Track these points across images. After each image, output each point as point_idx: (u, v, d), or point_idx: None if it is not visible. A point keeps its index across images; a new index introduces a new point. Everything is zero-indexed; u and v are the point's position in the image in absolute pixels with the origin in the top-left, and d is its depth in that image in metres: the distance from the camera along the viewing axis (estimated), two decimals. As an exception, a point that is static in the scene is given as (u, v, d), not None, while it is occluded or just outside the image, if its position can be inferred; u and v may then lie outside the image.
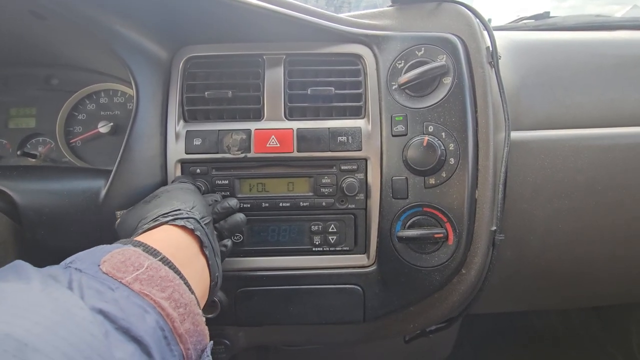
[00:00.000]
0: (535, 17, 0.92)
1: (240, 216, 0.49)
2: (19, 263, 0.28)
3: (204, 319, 0.33)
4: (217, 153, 0.52)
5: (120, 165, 0.48)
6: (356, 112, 0.54)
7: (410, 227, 0.51)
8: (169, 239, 0.37)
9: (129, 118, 0.50)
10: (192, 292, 0.32)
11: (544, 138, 0.55)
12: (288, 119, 0.53)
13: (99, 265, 0.29)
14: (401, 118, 0.51)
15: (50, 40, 0.56)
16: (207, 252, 0.40)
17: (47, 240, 0.46)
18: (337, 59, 0.55)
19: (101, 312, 0.25)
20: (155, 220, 0.38)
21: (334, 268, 0.53)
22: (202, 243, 0.39)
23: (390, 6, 0.58)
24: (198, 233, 0.39)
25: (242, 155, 0.52)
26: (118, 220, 0.45)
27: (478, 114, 0.50)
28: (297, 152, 0.52)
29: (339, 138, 0.52)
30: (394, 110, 0.52)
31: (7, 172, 0.47)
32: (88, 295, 0.26)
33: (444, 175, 0.50)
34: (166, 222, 0.38)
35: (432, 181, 0.50)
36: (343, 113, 0.54)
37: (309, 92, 0.53)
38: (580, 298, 0.72)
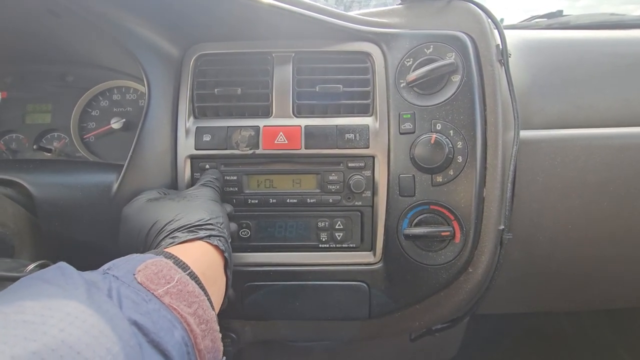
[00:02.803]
0: (548, 15, 0.90)
1: (233, 226, 0.49)
2: (64, 266, 0.29)
3: (220, 335, 0.33)
4: (226, 149, 0.53)
5: (132, 160, 0.49)
6: (364, 110, 0.54)
7: (417, 224, 0.51)
8: (202, 257, 0.38)
9: (140, 114, 0.51)
10: (213, 309, 0.33)
11: (554, 137, 0.54)
12: (296, 116, 0.54)
13: (134, 275, 0.30)
14: (409, 116, 0.51)
15: (65, 39, 0.57)
16: (228, 273, 0.41)
17: (61, 231, 0.48)
18: (346, 57, 0.55)
19: (136, 324, 0.26)
20: (190, 232, 0.39)
21: (340, 265, 0.54)
22: (227, 264, 0.40)
23: (399, 4, 0.58)
24: (226, 255, 0.40)
25: (251, 151, 0.52)
26: (136, 199, 0.45)
27: (487, 112, 0.50)
28: (305, 149, 0.52)
29: (347, 135, 0.52)
30: (402, 107, 0.52)
31: (24, 166, 0.49)
32: (125, 306, 0.27)
33: (452, 173, 0.50)
34: (201, 238, 0.39)
35: (439, 179, 0.50)
36: (351, 110, 0.54)
37: (317, 90, 0.53)
38: (591, 300, 0.70)
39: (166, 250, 0.35)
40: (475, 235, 0.50)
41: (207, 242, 0.39)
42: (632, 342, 0.92)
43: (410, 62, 0.52)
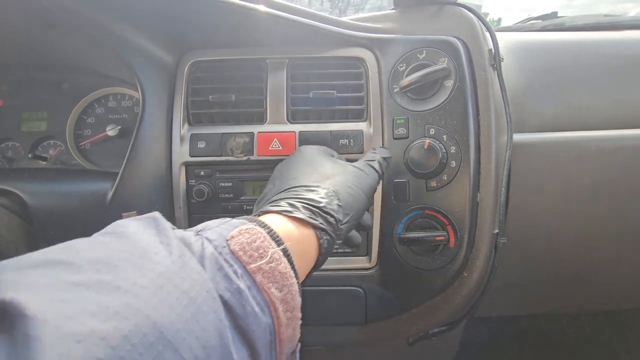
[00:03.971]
0: (543, 17, 0.91)
1: (355, 236, 0.42)
2: (158, 217, 0.27)
3: (300, 322, 0.30)
4: (221, 156, 0.53)
5: (127, 168, 0.49)
6: (358, 115, 0.54)
7: (412, 229, 0.51)
8: (299, 241, 0.32)
9: (136, 121, 0.51)
10: (300, 295, 0.29)
11: (549, 140, 0.54)
12: (290, 122, 0.54)
13: (227, 240, 0.26)
14: (403, 121, 0.51)
15: (60, 47, 0.57)
16: (320, 260, 0.35)
17: (56, 240, 0.47)
18: (339, 63, 0.55)
19: (225, 305, 0.23)
20: (309, 210, 0.33)
21: (335, 270, 0.54)
22: (321, 253, 0.34)
23: (392, 9, 0.58)
24: (320, 259, 0.34)
25: (245, 158, 0.53)
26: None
27: (480, 116, 0.50)
28: (299, 154, 0.52)
29: (341, 141, 0.52)
30: (395, 113, 0.52)
31: (19, 175, 0.49)
32: (217, 279, 0.24)
33: (445, 178, 0.50)
34: (314, 228, 0.33)
35: (433, 184, 0.50)
36: (345, 116, 0.54)
37: (311, 96, 0.53)
38: (588, 302, 0.71)
39: (261, 218, 0.31)
40: (470, 239, 0.50)
41: (315, 234, 0.33)
42: (631, 343, 0.92)
43: (404, 68, 0.53)
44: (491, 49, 0.52)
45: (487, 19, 0.55)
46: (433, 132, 0.50)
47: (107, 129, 0.62)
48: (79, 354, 0.16)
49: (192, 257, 0.24)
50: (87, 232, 0.48)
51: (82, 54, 0.58)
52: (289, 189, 0.36)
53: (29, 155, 0.60)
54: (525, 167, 0.53)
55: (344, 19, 0.57)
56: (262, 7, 0.50)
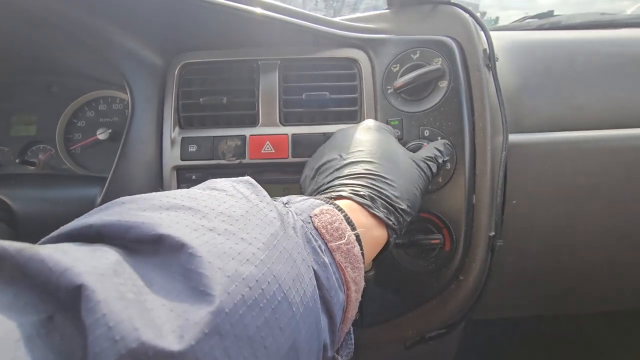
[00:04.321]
0: (539, 16, 0.90)
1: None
2: (253, 181, 0.28)
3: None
4: (212, 159, 0.52)
5: (116, 172, 0.48)
6: (352, 117, 0.53)
7: (407, 232, 0.50)
8: (371, 231, 0.33)
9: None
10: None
11: (545, 140, 0.54)
12: (283, 125, 0.53)
13: (311, 217, 0.28)
14: (397, 122, 0.51)
15: (48, 49, 0.56)
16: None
17: (43, 247, 0.47)
18: (332, 64, 0.54)
19: (315, 275, 0.25)
20: (375, 202, 0.33)
21: (330, 274, 0.53)
22: (387, 248, 0.35)
23: (386, 9, 0.57)
24: (390, 245, 0.35)
25: (237, 161, 0.52)
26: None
27: (475, 117, 0.49)
28: (292, 157, 0.51)
29: None
30: (389, 114, 0.51)
31: (5, 181, 0.48)
32: (308, 250, 0.25)
33: (440, 180, 0.49)
34: (382, 220, 0.33)
35: (428, 186, 0.49)
36: (339, 118, 0.53)
37: (304, 97, 0.53)
38: (587, 303, 0.70)
39: (338, 202, 0.32)
40: (466, 242, 0.49)
41: (387, 231, 0.34)
42: (630, 344, 0.91)
43: (397, 68, 0.52)
44: (486, 49, 0.51)
45: (484, 18, 0.54)
46: (427, 133, 0.50)
47: (98, 132, 0.61)
48: (232, 289, 0.18)
49: (289, 226, 0.25)
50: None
51: (70, 57, 0.57)
52: (364, 174, 0.35)
53: (17, 161, 0.59)
54: (522, 168, 0.53)
55: (336, 19, 0.56)
56: (255, 9, 0.49)
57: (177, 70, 0.54)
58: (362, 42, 0.54)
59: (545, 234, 0.54)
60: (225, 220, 0.22)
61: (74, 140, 0.62)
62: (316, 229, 0.27)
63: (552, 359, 0.99)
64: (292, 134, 0.52)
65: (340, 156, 0.38)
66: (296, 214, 0.27)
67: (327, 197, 0.33)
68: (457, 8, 0.53)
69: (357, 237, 0.29)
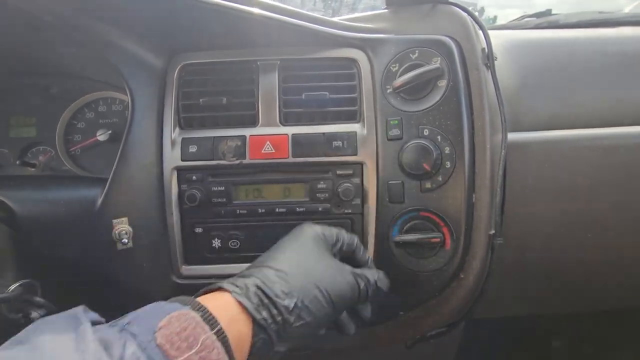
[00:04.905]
0: (537, 14, 0.90)
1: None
2: (80, 315, 0.27)
3: None
4: (213, 160, 0.52)
5: (116, 174, 0.48)
6: (351, 117, 0.53)
7: (407, 231, 0.50)
8: (238, 324, 0.31)
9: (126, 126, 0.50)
10: None
11: (544, 139, 0.54)
12: (283, 125, 0.53)
13: (155, 333, 0.26)
14: (396, 122, 0.51)
15: (48, 51, 0.56)
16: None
17: (44, 248, 0.47)
18: (332, 64, 0.54)
19: None
20: (259, 278, 0.33)
21: (331, 274, 0.53)
22: (251, 352, 0.31)
23: (385, 9, 0.57)
24: (255, 348, 0.32)
25: (237, 161, 0.52)
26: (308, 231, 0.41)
27: (474, 116, 0.50)
28: (292, 157, 0.52)
29: (334, 143, 0.52)
30: (389, 113, 0.51)
31: (6, 182, 0.48)
32: None
33: (440, 179, 0.49)
34: (232, 292, 0.32)
35: (428, 185, 0.49)
36: (338, 117, 0.53)
37: (303, 97, 0.53)
38: (587, 301, 0.70)
39: (205, 296, 0.31)
40: (466, 241, 0.49)
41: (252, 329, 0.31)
42: (631, 342, 0.91)
43: (397, 68, 0.52)
44: (484, 48, 0.51)
45: (482, 17, 0.54)
46: (427, 132, 0.50)
47: (98, 133, 0.61)
48: None
49: None
50: (75, 239, 0.48)
51: (70, 58, 0.58)
52: (260, 266, 0.35)
53: (17, 162, 0.59)
54: (521, 167, 0.53)
55: (335, 19, 0.56)
56: (254, 9, 0.49)
57: (176, 71, 0.54)
58: (361, 42, 0.54)
59: (545, 232, 0.55)
60: None
61: (74, 142, 0.63)
62: (159, 346, 0.26)
63: (552, 357, 0.99)
64: (292, 134, 0.52)
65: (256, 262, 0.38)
66: (135, 335, 0.26)
67: (199, 295, 0.31)
68: (455, 7, 0.53)
69: (220, 333, 0.28)
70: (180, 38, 0.54)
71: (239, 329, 0.30)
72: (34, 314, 0.43)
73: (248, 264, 0.53)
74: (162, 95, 0.53)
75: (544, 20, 0.82)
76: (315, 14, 0.54)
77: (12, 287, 0.39)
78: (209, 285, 0.35)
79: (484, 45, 0.52)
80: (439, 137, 0.49)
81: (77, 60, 0.58)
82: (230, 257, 0.53)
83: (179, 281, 0.53)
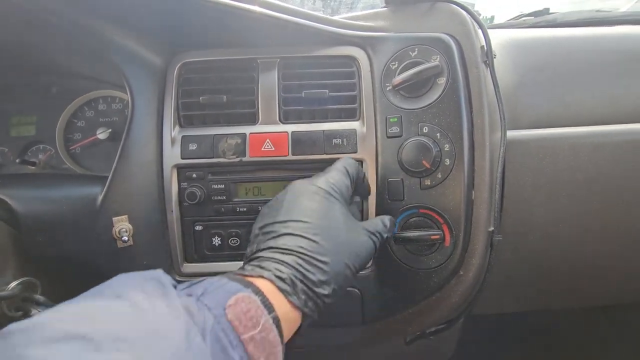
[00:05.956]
0: (535, 13, 0.91)
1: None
2: (163, 280, 0.29)
3: None
4: (213, 158, 0.52)
5: (116, 172, 0.49)
6: (351, 114, 0.53)
7: (407, 228, 0.51)
8: (287, 312, 0.33)
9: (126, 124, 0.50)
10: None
11: (543, 137, 0.54)
12: (283, 123, 0.53)
13: (225, 309, 0.29)
14: (396, 119, 0.51)
15: (48, 50, 0.56)
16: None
17: (45, 246, 0.47)
18: (331, 62, 0.54)
19: None
20: (301, 271, 0.34)
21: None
22: (298, 331, 0.35)
23: (384, 7, 0.57)
24: (302, 327, 0.35)
25: (238, 159, 0.52)
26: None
27: (473, 114, 0.50)
28: (292, 155, 0.52)
29: (334, 140, 0.52)
30: (388, 111, 0.52)
31: (6, 181, 0.48)
32: (216, 351, 0.26)
33: (440, 176, 0.49)
34: (282, 290, 0.33)
35: (427, 182, 0.50)
36: (338, 115, 0.54)
37: (303, 95, 0.53)
38: (584, 297, 0.71)
39: (257, 283, 0.32)
40: (465, 238, 0.50)
41: (299, 310, 0.34)
42: (627, 337, 0.92)
43: (396, 66, 0.52)
44: (483, 46, 0.52)
45: (479, 17, 0.54)
46: (426, 130, 0.50)
47: (98, 132, 0.61)
48: None
49: (197, 333, 0.26)
50: (76, 237, 0.48)
51: (69, 57, 0.57)
52: (296, 251, 0.35)
53: (17, 161, 0.59)
54: (520, 164, 0.53)
55: (335, 17, 0.56)
56: (254, 7, 0.49)
57: (176, 69, 0.54)
58: (361, 40, 0.54)
59: (544, 229, 0.55)
60: (119, 349, 0.22)
61: (74, 140, 0.62)
62: (229, 321, 0.28)
63: (551, 353, 1.00)
64: (292, 132, 0.52)
65: (283, 222, 0.37)
66: (209, 308, 0.28)
67: (250, 276, 0.33)
68: (454, 5, 0.53)
69: (275, 319, 0.30)
70: (181, 36, 0.54)
71: (287, 314, 0.33)
72: (34, 312, 0.43)
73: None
74: (162, 94, 0.53)
75: (541, 19, 0.82)
76: (315, 12, 0.55)
77: (12, 284, 0.39)
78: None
79: (483, 42, 0.52)
80: (438, 135, 0.50)
81: (77, 59, 0.58)
82: (230, 254, 0.54)
83: (179, 279, 0.53)
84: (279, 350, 0.30)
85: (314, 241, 0.36)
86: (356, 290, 0.53)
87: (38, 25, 0.49)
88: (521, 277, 0.60)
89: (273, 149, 0.52)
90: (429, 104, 0.50)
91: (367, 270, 0.53)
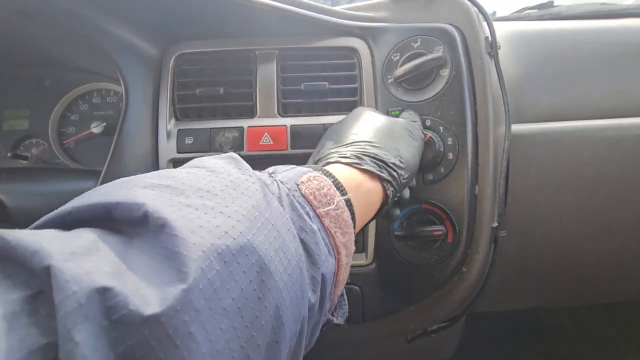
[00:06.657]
0: (539, 6, 0.89)
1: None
2: (236, 156, 0.29)
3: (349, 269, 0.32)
4: (210, 152, 0.51)
5: (110, 166, 0.47)
6: (352, 107, 0.52)
7: (409, 224, 0.50)
8: (364, 190, 0.33)
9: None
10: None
11: (547, 130, 0.53)
12: (282, 116, 0.52)
13: (297, 185, 0.28)
14: (397, 112, 0.50)
15: (40, 41, 0.55)
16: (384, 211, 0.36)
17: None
18: (331, 53, 0.53)
19: (302, 243, 0.25)
20: (363, 151, 0.35)
21: (331, 268, 0.52)
22: (387, 202, 0.36)
23: (386, -3, 0.56)
24: (389, 198, 0.35)
25: (235, 153, 0.51)
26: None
27: (477, 106, 0.49)
28: (291, 149, 0.50)
29: None
30: (390, 104, 0.50)
31: (-3, 175, 0.47)
32: (294, 219, 0.25)
33: (442, 170, 0.48)
34: (351, 164, 0.34)
35: (430, 177, 0.49)
36: (338, 108, 0.52)
37: (302, 88, 0.51)
38: (589, 294, 0.70)
39: (326, 168, 0.32)
40: (468, 234, 0.48)
41: (382, 185, 0.34)
42: (630, 335, 0.91)
43: (398, 57, 0.51)
44: (488, 37, 0.50)
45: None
46: (429, 123, 0.49)
47: (92, 126, 0.60)
48: (207, 265, 0.18)
49: (273, 196, 0.25)
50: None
51: (63, 48, 0.56)
52: (351, 143, 0.37)
53: (9, 155, 0.58)
54: (524, 158, 0.52)
55: (335, 7, 0.55)
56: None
57: (172, 61, 0.53)
58: (362, 31, 0.53)
59: (548, 224, 0.54)
60: (203, 196, 0.22)
61: (68, 134, 0.61)
62: (303, 196, 0.27)
63: (553, 351, 0.99)
64: (291, 125, 0.51)
65: (333, 140, 0.39)
66: (282, 182, 0.27)
67: (317, 166, 0.33)
68: (458, -5, 0.52)
69: (348, 201, 0.30)
70: (176, 27, 0.52)
71: (366, 193, 0.33)
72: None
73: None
74: (157, 86, 0.52)
75: (545, 12, 0.81)
76: (315, 3, 0.53)
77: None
78: None
79: (487, 33, 0.50)
80: (441, 128, 0.48)
81: (71, 50, 0.57)
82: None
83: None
84: (352, 232, 0.29)
85: (364, 134, 0.38)
86: (356, 288, 0.52)
87: (32, 15, 0.47)
88: (524, 274, 0.59)
89: (271, 142, 0.50)
90: (432, 97, 0.49)
91: (368, 267, 0.52)
